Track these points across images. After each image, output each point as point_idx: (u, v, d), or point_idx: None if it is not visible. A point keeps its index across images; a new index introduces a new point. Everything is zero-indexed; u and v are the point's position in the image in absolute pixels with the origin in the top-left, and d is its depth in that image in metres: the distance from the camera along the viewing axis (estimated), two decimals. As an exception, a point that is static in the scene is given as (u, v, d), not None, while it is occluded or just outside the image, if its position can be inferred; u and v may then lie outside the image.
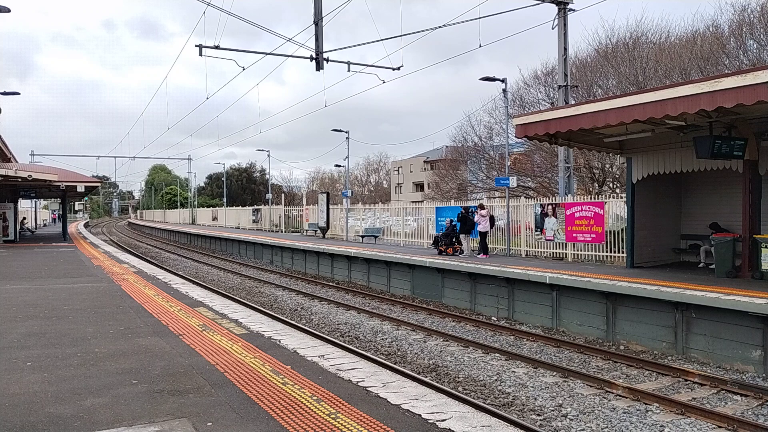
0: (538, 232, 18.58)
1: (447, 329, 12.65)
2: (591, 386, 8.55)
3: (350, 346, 10.39)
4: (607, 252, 16.53)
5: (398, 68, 19.71)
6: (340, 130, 32.05)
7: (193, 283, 16.24)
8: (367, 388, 5.15)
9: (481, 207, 19.00)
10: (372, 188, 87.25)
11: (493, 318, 14.02)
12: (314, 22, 17.07)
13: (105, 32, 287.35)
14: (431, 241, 21.89)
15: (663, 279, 11.82)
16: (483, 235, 18.56)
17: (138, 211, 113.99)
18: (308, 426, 4.24)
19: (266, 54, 20.13)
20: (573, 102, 19.82)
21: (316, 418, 4.41)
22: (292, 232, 38.90)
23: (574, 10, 18.36)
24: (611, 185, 27.16)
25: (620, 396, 8.12)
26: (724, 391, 8.31)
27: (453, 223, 19.41)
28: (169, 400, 4.83)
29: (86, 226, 68.62)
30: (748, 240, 12.10)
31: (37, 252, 22.35)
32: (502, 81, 20.20)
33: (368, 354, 9.89)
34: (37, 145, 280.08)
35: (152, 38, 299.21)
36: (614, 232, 16.43)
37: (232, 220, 51.75)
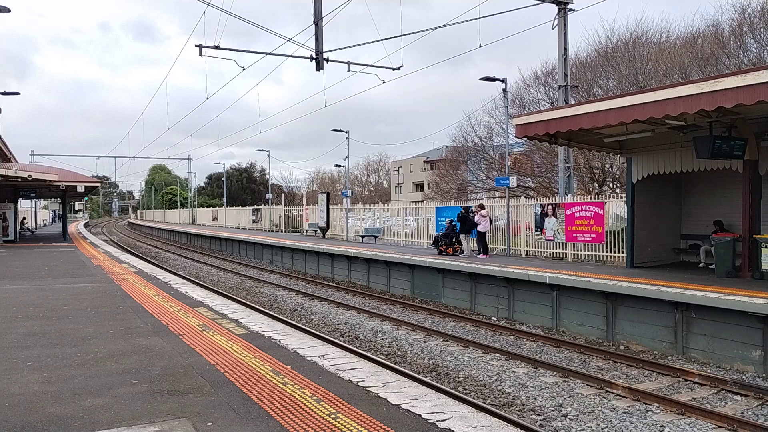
0: (538, 232, 18.58)
1: (447, 329, 12.65)
2: (591, 386, 8.55)
3: (350, 346, 10.39)
4: (607, 252, 16.53)
5: (398, 68, 19.72)
6: (340, 130, 32.04)
7: (193, 283, 16.24)
8: (367, 388, 5.14)
9: (481, 207, 19.00)
10: (372, 188, 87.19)
11: (493, 318, 14.02)
12: (314, 22, 17.07)
13: (101, 34, 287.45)
14: (431, 241, 21.88)
15: (663, 279, 11.82)
16: (483, 235, 18.57)
17: (138, 211, 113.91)
18: (308, 426, 4.24)
19: (266, 54, 20.13)
20: (573, 102, 19.82)
21: (316, 418, 4.41)
22: (292, 232, 38.88)
23: (574, 10, 18.38)
24: (611, 185, 27.16)
25: (620, 396, 8.12)
26: (724, 391, 8.31)
27: (453, 223, 19.40)
28: (169, 400, 4.83)
29: (86, 226, 68.57)
30: (748, 240, 12.10)
31: (37, 252, 22.34)
32: (502, 81, 20.19)
33: (368, 354, 9.89)
34: (37, 145, 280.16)
35: (148, 41, 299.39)
36: (614, 232, 16.42)
37: (232, 220, 51.74)
